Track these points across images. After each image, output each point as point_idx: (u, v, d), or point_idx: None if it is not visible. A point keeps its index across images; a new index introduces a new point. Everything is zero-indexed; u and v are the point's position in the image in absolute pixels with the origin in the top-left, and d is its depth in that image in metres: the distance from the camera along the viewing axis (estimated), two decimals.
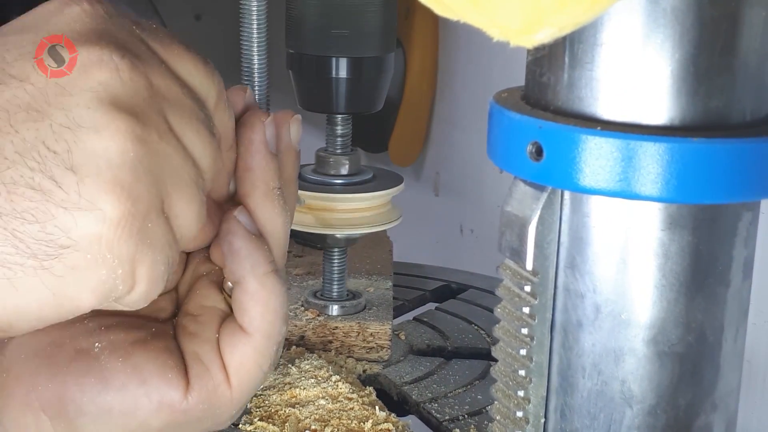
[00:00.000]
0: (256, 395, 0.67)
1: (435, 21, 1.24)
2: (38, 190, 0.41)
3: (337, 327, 0.75)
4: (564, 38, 0.39)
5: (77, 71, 0.42)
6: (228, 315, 0.50)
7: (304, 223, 0.73)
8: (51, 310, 0.42)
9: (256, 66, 0.60)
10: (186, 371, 0.48)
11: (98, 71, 0.42)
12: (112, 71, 0.42)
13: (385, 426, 0.64)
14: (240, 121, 0.52)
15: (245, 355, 0.49)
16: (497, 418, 0.45)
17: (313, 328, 0.75)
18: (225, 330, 0.50)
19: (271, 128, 0.51)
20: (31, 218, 0.41)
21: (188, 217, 0.45)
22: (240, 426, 0.64)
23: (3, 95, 0.42)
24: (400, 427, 0.64)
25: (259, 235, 0.50)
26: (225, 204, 0.51)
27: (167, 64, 0.45)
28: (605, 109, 0.40)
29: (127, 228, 0.42)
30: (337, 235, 0.74)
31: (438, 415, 0.68)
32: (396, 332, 0.79)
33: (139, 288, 0.43)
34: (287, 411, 0.65)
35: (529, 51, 0.42)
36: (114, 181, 0.41)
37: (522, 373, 0.44)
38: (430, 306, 0.89)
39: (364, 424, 0.64)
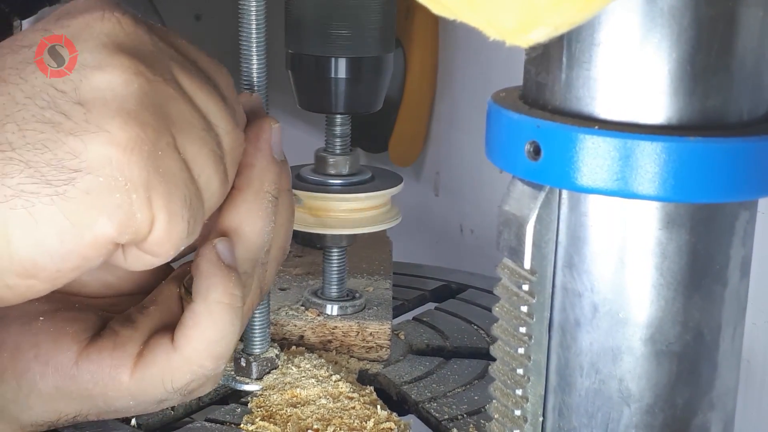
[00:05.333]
0: (256, 395, 0.67)
1: (435, 21, 1.24)
2: (48, 123, 0.43)
3: (336, 327, 0.75)
4: (561, 38, 0.39)
5: (81, 24, 0.45)
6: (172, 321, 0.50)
7: (304, 223, 0.73)
8: (72, 244, 0.43)
9: (255, 66, 0.60)
10: (89, 344, 0.48)
11: (100, 24, 0.45)
12: (114, 23, 0.45)
13: (386, 425, 0.64)
14: (249, 122, 0.52)
15: (158, 365, 0.49)
16: (495, 416, 0.45)
17: (312, 328, 0.75)
18: (159, 332, 0.50)
19: (278, 135, 0.52)
20: (43, 148, 0.42)
21: (204, 165, 0.46)
22: (242, 426, 0.64)
23: (15, 57, 0.44)
24: (401, 426, 0.64)
25: (230, 268, 0.50)
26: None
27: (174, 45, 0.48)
28: (603, 109, 0.40)
29: (137, 150, 0.43)
30: (337, 235, 0.74)
31: (437, 415, 0.68)
32: (395, 332, 0.79)
33: (159, 224, 0.44)
34: (288, 411, 0.65)
35: (526, 50, 0.42)
36: (120, 108, 0.43)
37: (520, 371, 0.44)
38: (430, 306, 0.89)
39: (365, 423, 0.64)
